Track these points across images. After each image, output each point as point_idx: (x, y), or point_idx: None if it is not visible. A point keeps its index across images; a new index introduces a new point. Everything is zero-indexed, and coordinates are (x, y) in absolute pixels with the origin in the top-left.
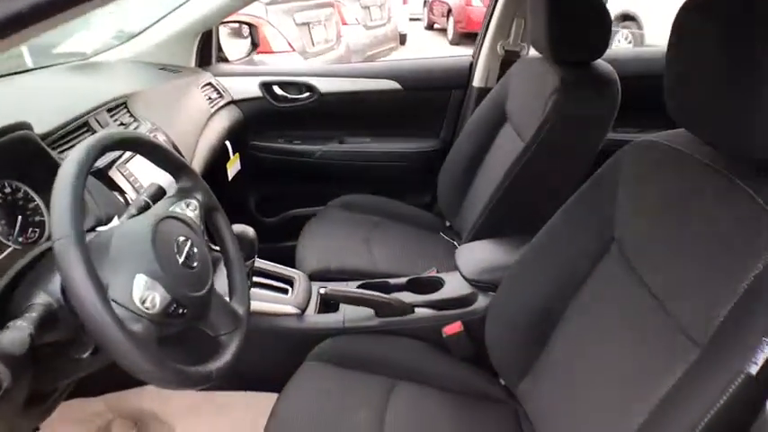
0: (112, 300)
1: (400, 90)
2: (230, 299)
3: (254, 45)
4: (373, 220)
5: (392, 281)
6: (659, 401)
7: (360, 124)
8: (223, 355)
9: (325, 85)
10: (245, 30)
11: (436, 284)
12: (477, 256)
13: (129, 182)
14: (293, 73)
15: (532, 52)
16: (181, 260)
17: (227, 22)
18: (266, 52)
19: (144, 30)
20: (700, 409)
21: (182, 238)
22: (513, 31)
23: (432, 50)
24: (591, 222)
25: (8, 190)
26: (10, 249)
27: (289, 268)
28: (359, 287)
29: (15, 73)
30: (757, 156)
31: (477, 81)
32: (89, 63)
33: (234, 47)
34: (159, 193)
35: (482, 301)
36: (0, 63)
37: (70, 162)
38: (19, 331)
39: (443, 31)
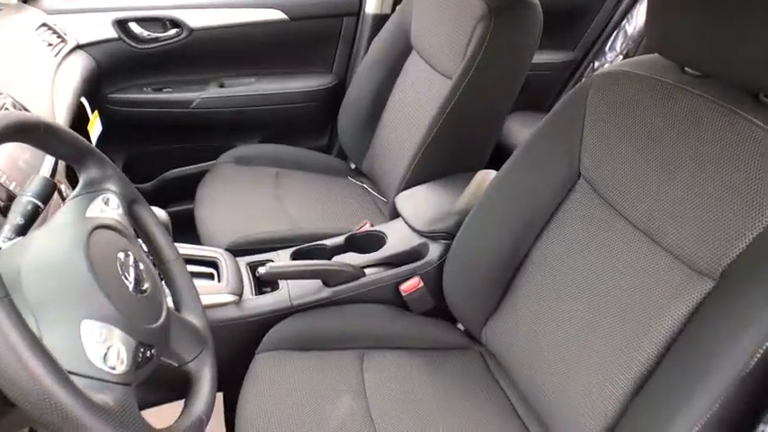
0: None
1: (285, 20)
2: (180, 311)
3: None
4: (273, 171)
5: (329, 242)
6: (670, 333)
7: (241, 63)
8: (199, 391)
9: (195, 19)
10: None
11: (378, 239)
12: (423, 204)
13: None
14: (155, 6)
15: None
16: (131, 285)
17: None
18: None
19: None
20: (728, 338)
21: (122, 255)
22: None
23: None
24: (555, 158)
25: None
26: None
27: (206, 248)
28: (293, 256)
29: None
30: (751, 82)
31: (370, 7)
32: None
33: None
34: (49, 189)
35: (434, 251)
36: None
37: None
38: None
39: None
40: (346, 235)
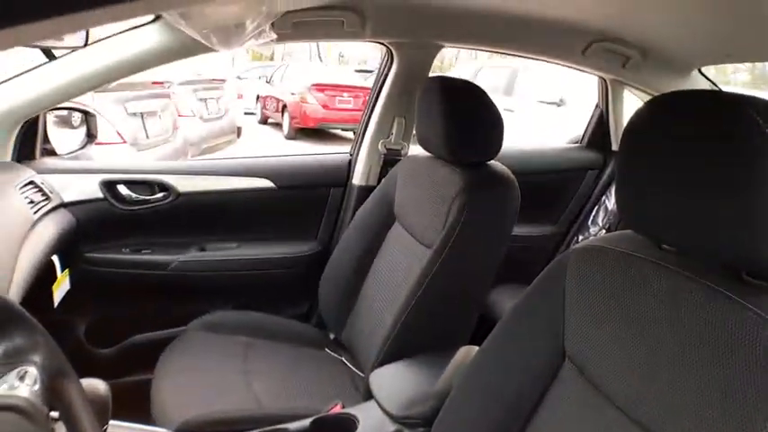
0: None
1: (273, 189)
2: None
3: (91, 136)
4: (244, 341)
5: (292, 427)
6: None
7: (225, 228)
8: None
9: (183, 184)
10: (77, 118)
11: (348, 425)
12: (399, 384)
13: None
14: (143, 170)
15: (412, 150)
16: None
17: (58, 108)
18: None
19: None
20: None
21: None
22: (395, 130)
23: (270, 144)
24: (538, 336)
25: None
26: None
27: (152, 429)
28: None
29: None
30: (731, 260)
31: (357, 179)
32: None
33: (63, 138)
34: None
35: None
36: None
37: None
38: None
39: (278, 125)
40: (313, 418)
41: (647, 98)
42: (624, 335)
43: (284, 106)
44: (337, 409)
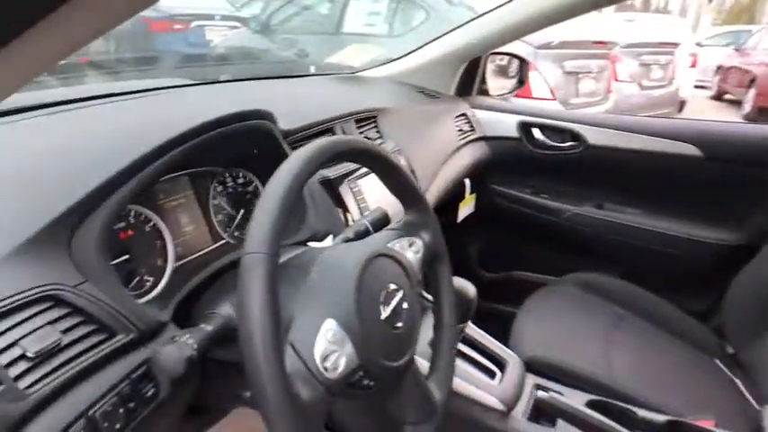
0: (290, 343)
1: (699, 157)
2: (428, 376)
3: (521, 83)
4: (617, 312)
5: (641, 413)
6: None
7: (629, 190)
8: None
9: (595, 136)
10: (514, 66)
11: None
12: None
13: (357, 200)
14: (559, 117)
15: None
16: (384, 315)
17: (498, 53)
18: (524, 96)
19: (413, 51)
20: None
21: (393, 286)
22: None
23: None
24: None
25: (240, 180)
26: (223, 242)
27: (503, 347)
28: (589, 404)
29: (292, 76)
30: None
31: None
32: (354, 76)
33: (496, 81)
34: (382, 221)
35: None
36: None
37: (289, 166)
38: (179, 350)
39: (735, 103)
40: (671, 419)
41: None
42: None
43: (752, 80)
44: (707, 425)
